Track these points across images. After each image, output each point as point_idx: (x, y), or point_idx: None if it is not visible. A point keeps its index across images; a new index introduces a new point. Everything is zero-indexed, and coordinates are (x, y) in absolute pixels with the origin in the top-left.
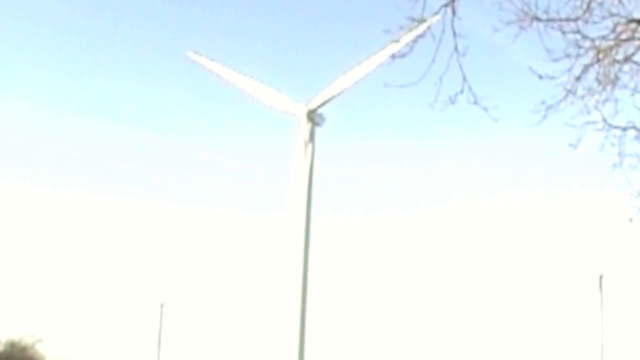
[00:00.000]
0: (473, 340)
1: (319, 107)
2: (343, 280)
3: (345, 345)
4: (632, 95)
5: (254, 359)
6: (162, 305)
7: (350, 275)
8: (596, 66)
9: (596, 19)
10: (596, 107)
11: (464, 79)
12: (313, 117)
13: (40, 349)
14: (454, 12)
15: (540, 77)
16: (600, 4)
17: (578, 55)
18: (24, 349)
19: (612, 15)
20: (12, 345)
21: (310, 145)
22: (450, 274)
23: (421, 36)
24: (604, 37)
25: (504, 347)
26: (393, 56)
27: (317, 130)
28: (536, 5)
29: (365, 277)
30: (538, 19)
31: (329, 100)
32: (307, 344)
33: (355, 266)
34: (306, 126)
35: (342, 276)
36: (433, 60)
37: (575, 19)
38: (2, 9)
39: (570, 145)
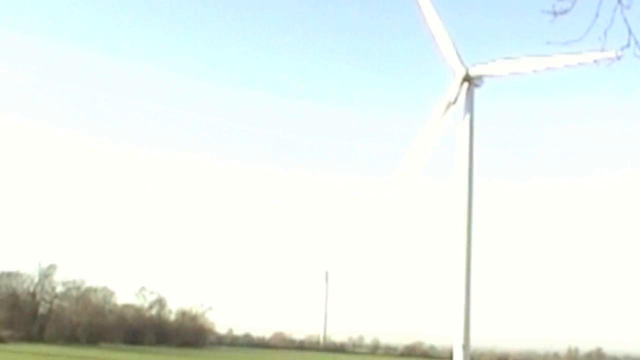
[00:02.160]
0: None
1: (477, 77)
2: (505, 243)
3: (508, 307)
4: None
5: (419, 323)
6: (327, 273)
7: (511, 238)
8: None
9: None
10: None
11: (630, 32)
12: (470, 80)
13: (210, 317)
14: None
15: None
16: None
17: None
18: (194, 318)
19: None
20: (183, 314)
21: (464, 107)
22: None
23: None
24: None
25: None
26: (555, 13)
27: (476, 91)
28: None
29: (525, 239)
30: None
31: (490, 75)
32: (472, 307)
33: (515, 229)
34: (458, 88)
35: (503, 239)
36: (596, 15)
37: None
38: None
39: None
